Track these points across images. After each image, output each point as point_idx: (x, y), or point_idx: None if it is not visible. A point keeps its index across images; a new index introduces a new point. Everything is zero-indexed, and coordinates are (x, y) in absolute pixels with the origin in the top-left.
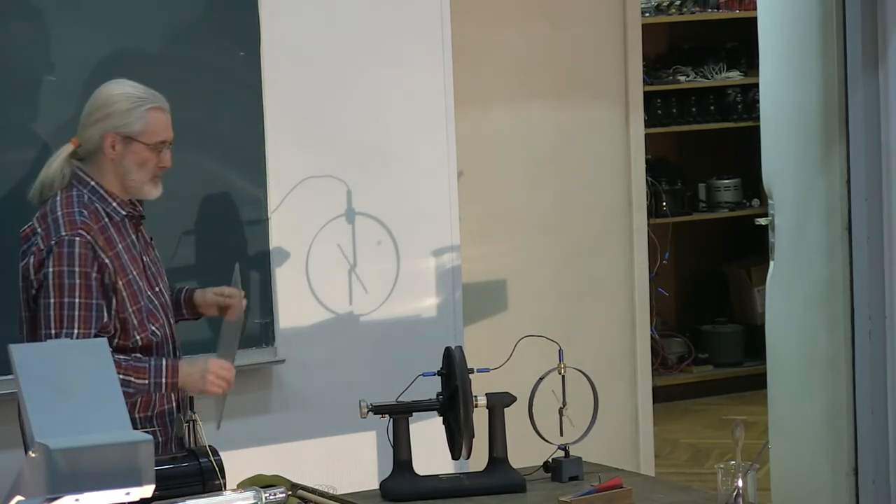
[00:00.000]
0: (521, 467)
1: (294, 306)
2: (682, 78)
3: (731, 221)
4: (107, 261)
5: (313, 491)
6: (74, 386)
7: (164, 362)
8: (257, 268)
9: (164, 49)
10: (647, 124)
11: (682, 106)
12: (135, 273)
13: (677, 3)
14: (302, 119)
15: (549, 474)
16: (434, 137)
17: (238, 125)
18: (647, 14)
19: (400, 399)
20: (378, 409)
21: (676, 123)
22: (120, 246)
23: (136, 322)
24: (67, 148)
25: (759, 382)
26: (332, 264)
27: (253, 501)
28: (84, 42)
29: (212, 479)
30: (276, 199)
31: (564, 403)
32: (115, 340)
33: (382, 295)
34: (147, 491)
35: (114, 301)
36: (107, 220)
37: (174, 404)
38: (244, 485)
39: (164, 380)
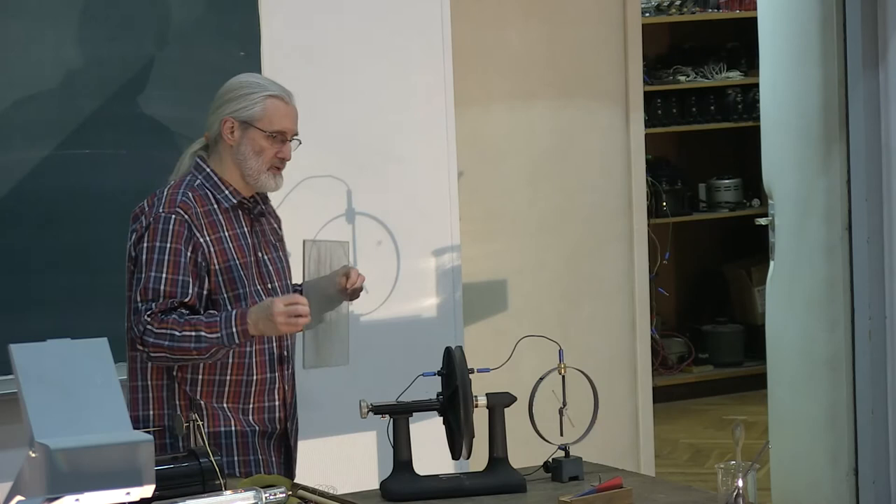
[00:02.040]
0: (521, 467)
1: None
2: (682, 78)
3: (731, 221)
4: (202, 241)
5: (313, 491)
6: (74, 386)
7: (234, 312)
8: None
9: (165, 49)
10: (647, 124)
11: (682, 106)
12: (238, 262)
13: (677, 3)
14: (302, 119)
15: (550, 474)
16: (434, 137)
17: None
18: (647, 14)
19: (400, 399)
20: (378, 409)
21: (676, 123)
22: (226, 233)
23: (230, 309)
24: (200, 142)
25: (759, 382)
26: None
27: (253, 501)
28: (84, 42)
29: (212, 479)
30: (276, 199)
31: (564, 403)
32: None
33: (382, 295)
34: (147, 491)
35: (207, 282)
36: (215, 205)
37: (277, 402)
38: (244, 485)
39: (234, 329)
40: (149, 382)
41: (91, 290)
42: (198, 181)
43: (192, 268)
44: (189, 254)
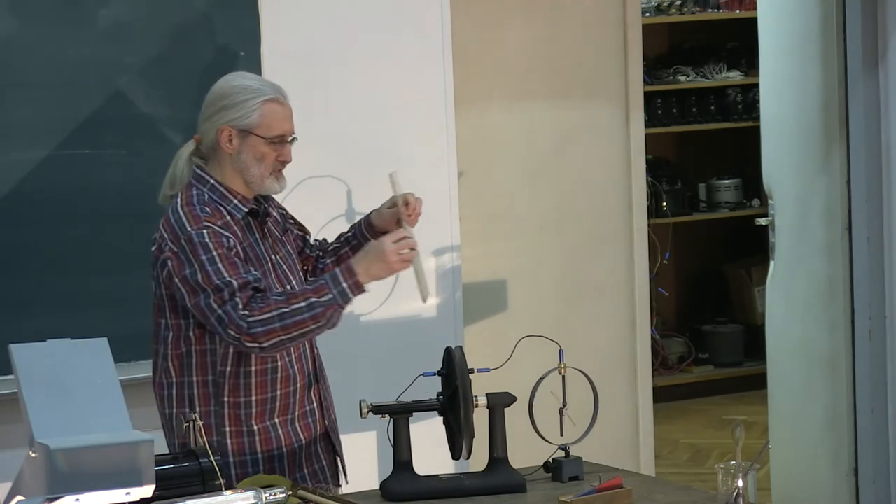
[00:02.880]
0: (521, 467)
1: None
2: (683, 78)
3: (731, 221)
4: (238, 247)
5: (313, 491)
6: (74, 386)
7: (337, 270)
8: None
9: (165, 49)
10: (647, 124)
11: (682, 106)
12: (259, 272)
13: (677, 3)
14: (302, 119)
15: (550, 474)
16: (434, 137)
17: None
18: (647, 14)
19: (400, 399)
20: (378, 409)
21: (676, 123)
22: (243, 244)
23: None
24: (190, 145)
25: (759, 382)
26: None
27: (253, 501)
28: (84, 42)
29: (212, 479)
30: (276, 199)
31: (564, 403)
32: None
33: (382, 295)
34: (147, 491)
35: None
36: (228, 218)
37: (315, 404)
38: (244, 485)
39: (344, 284)
40: (196, 410)
41: (91, 291)
42: (205, 195)
43: (240, 261)
44: (233, 256)
